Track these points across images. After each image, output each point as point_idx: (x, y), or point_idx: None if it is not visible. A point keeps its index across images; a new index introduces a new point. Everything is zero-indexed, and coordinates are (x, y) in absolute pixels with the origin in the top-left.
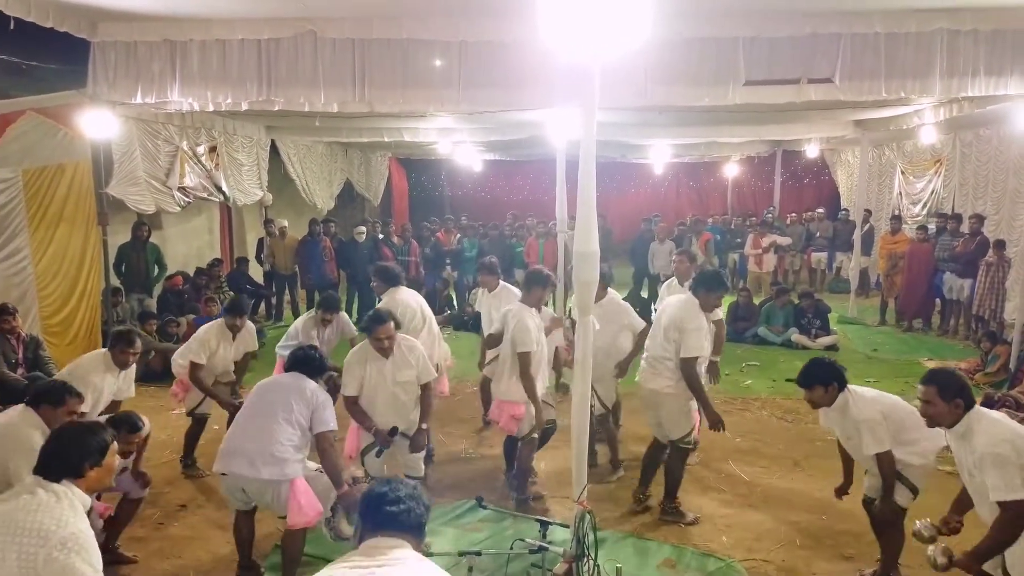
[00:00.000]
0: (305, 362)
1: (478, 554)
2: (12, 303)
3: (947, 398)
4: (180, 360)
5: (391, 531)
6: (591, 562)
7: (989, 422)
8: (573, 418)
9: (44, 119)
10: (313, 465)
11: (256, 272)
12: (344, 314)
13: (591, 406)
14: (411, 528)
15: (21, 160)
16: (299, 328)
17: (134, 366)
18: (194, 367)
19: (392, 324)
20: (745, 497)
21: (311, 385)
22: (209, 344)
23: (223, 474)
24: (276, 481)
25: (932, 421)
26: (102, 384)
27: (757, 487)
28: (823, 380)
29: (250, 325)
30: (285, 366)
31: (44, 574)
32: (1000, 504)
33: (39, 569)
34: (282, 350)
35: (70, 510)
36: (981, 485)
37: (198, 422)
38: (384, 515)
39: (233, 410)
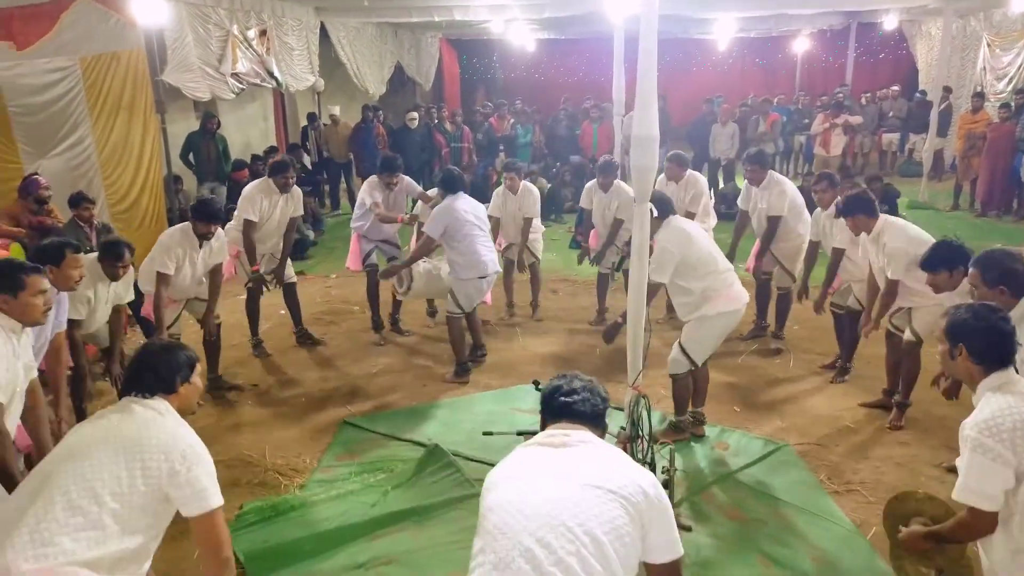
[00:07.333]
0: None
1: (535, 432)
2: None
3: (991, 283)
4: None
5: (568, 420)
6: (645, 443)
7: None
8: (629, 306)
9: (97, 5)
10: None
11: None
12: (407, 178)
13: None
14: (588, 417)
15: (77, 48)
16: (363, 194)
17: (132, 272)
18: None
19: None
20: (799, 383)
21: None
22: (259, 206)
23: (483, 277)
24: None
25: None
26: (92, 294)
27: (810, 377)
28: (868, 210)
29: (220, 232)
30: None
31: (168, 489)
32: None
33: (163, 485)
34: (354, 223)
35: (176, 424)
36: None
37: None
38: (559, 405)
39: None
